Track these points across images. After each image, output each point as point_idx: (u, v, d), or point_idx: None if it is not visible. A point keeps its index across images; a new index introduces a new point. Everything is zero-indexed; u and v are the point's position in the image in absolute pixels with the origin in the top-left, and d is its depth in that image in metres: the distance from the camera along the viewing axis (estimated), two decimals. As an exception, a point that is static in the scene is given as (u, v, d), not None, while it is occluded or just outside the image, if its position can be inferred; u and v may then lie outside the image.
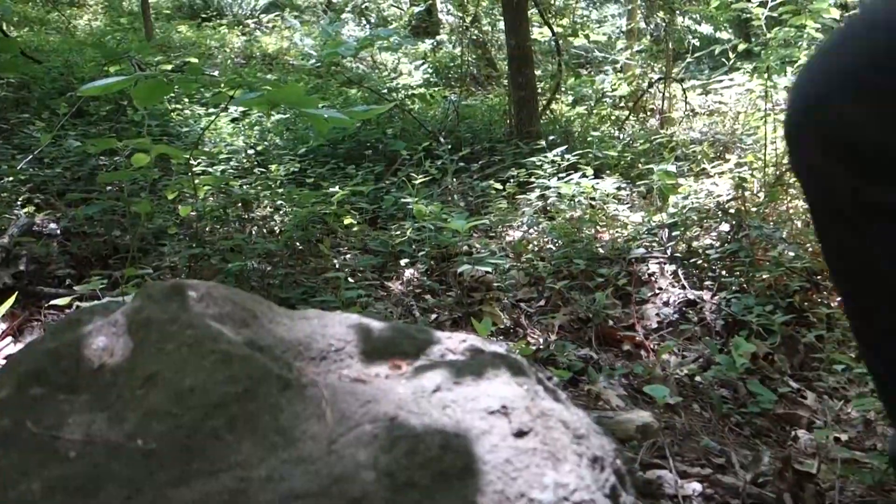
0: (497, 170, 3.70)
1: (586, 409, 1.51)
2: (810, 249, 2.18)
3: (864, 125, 0.69)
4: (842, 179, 0.72)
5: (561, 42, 5.47)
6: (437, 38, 7.66)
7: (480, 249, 2.58)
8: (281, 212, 2.81)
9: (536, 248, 2.66)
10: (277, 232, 2.71)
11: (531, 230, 2.80)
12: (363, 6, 9.12)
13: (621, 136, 4.75)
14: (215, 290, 0.92)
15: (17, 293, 1.64)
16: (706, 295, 2.20)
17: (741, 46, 3.79)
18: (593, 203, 2.86)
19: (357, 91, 5.16)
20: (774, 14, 2.85)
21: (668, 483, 1.22)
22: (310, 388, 0.79)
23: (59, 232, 2.36)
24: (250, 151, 3.51)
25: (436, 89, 5.68)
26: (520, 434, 0.78)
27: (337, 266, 2.42)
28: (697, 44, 4.64)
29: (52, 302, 1.66)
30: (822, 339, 1.85)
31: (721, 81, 4.42)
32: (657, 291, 2.33)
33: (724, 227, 2.41)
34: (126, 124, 3.24)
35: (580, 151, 3.44)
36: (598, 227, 2.73)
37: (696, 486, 1.24)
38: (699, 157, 3.42)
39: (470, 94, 6.11)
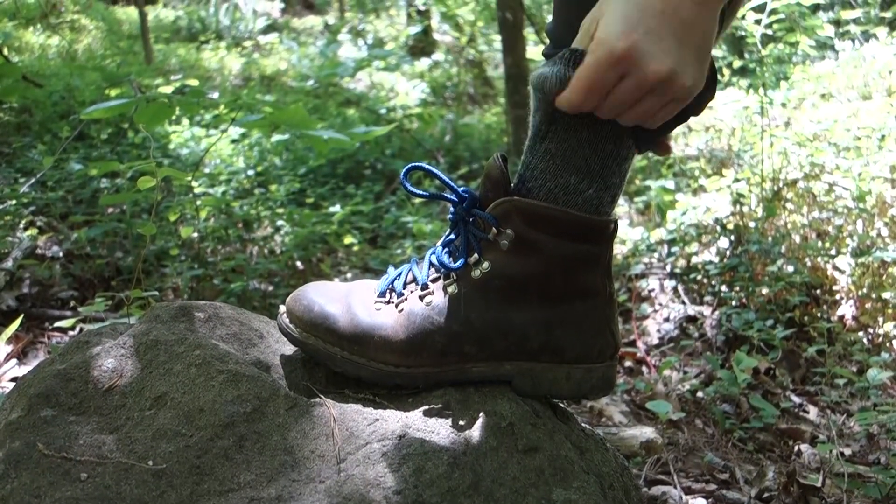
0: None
1: (590, 425, 1.52)
2: (809, 264, 2.19)
3: None
4: None
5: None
6: (434, 57, 7.72)
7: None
8: (282, 232, 2.83)
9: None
10: (278, 252, 2.72)
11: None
12: (360, 28, 9.20)
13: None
14: (222, 311, 0.92)
15: (21, 316, 1.65)
16: (706, 310, 2.21)
17: (736, 63, 3.83)
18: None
19: (355, 111, 5.20)
20: (769, 31, 2.88)
21: (673, 499, 1.22)
22: (318, 407, 0.80)
23: (61, 254, 2.36)
24: (250, 172, 3.53)
25: (433, 108, 5.72)
26: (528, 451, 0.79)
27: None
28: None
29: (57, 324, 1.66)
30: (824, 354, 1.85)
31: (716, 98, 4.45)
32: (657, 307, 2.34)
33: (723, 242, 2.42)
34: (127, 147, 3.26)
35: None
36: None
37: (700, 502, 1.24)
38: (696, 172, 3.44)
39: (467, 113, 6.15)
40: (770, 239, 2.28)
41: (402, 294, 0.86)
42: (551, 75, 0.77)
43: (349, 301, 0.86)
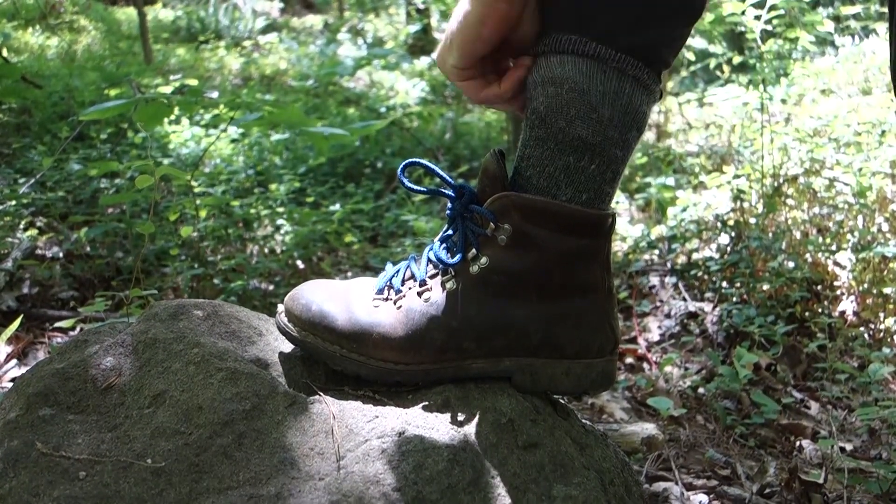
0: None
1: (591, 421, 1.52)
2: (809, 259, 2.19)
3: None
4: None
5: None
6: (434, 55, 7.70)
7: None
8: (282, 231, 2.82)
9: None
10: (278, 251, 2.72)
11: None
12: (359, 27, 9.20)
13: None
14: (221, 309, 0.92)
15: (21, 316, 1.65)
16: (707, 306, 2.21)
17: (735, 59, 3.82)
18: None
19: (355, 110, 5.19)
20: (769, 27, 2.87)
21: (675, 495, 1.22)
22: (317, 405, 0.80)
23: (61, 255, 2.36)
24: (250, 171, 3.52)
25: (433, 107, 5.71)
26: (528, 447, 0.79)
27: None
28: (692, 58, 4.69)
29: (57, 324, 1.66)
30: (825, 349, 1.85)
31: (716, 94, 4.45)
32: (658, 304, 2.34)
33: (724, 238, 2.41)
34: (127, 147, 3.25)
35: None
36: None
37: (702, 498, 1.24)
38: (697, 169, 3.43)
39: (467, 112, 6.14)
40: (770, 235, 2.28)
41: (401, 291, 0.86)
42: None
43: (347, 299, 0.86)
